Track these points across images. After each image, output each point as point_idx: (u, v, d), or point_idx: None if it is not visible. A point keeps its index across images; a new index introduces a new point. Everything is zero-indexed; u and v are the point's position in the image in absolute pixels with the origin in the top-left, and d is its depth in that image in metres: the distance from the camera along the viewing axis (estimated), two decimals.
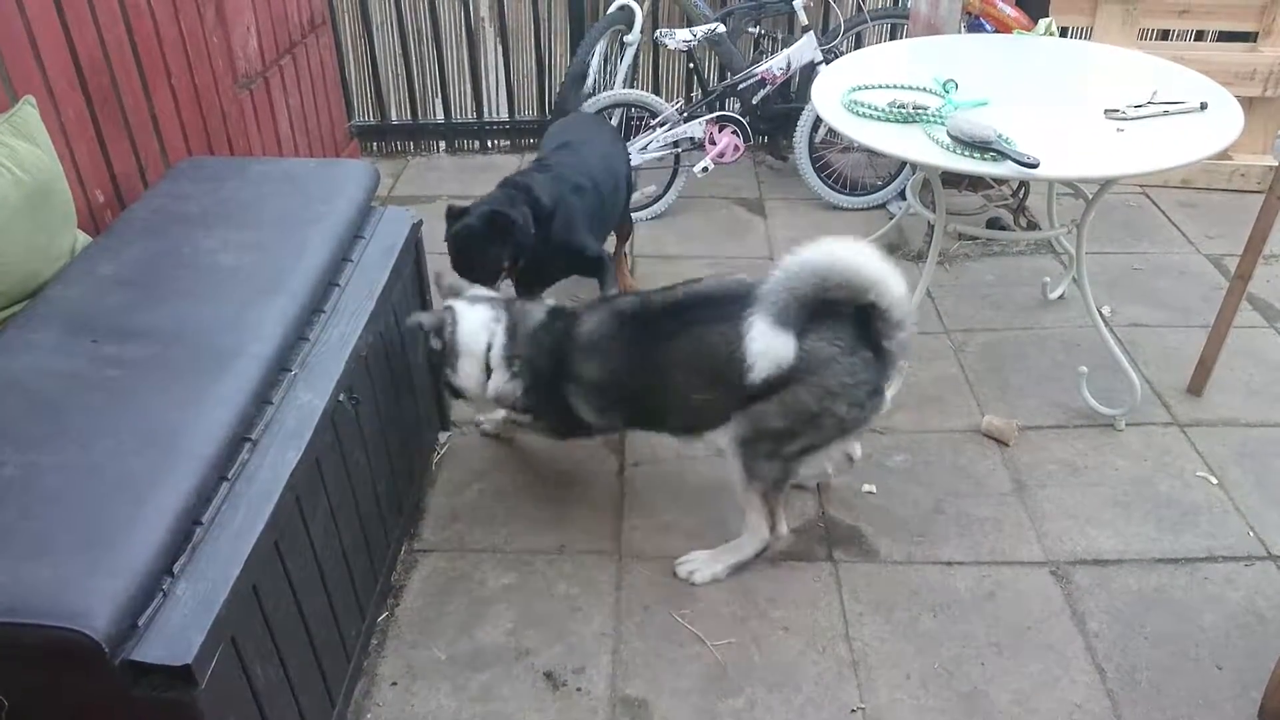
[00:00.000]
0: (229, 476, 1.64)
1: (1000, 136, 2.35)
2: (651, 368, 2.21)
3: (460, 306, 2.35)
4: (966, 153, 2.37)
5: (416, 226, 2.48)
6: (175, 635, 1.37)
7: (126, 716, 1.40)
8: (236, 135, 3.22)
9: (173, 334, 1.84)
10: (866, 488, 2.61)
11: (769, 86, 3.95)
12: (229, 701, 1.48)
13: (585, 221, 2.88)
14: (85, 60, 2.37)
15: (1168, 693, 2.08)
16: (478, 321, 2.33)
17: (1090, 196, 2.76)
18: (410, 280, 2.48)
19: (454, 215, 2.65)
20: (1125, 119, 2.55)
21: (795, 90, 4.13)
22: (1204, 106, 2.58)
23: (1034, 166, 2.30)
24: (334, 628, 1.93)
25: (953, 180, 3.60)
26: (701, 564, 2.35)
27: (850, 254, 1.97)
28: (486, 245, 2.60)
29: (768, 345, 1.97)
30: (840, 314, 2.05)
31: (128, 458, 1.56)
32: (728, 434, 2.20)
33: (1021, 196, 3.71)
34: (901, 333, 2.07)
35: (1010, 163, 2.31)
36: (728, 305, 2.07)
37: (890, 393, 2.58)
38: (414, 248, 2.49)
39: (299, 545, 1.75)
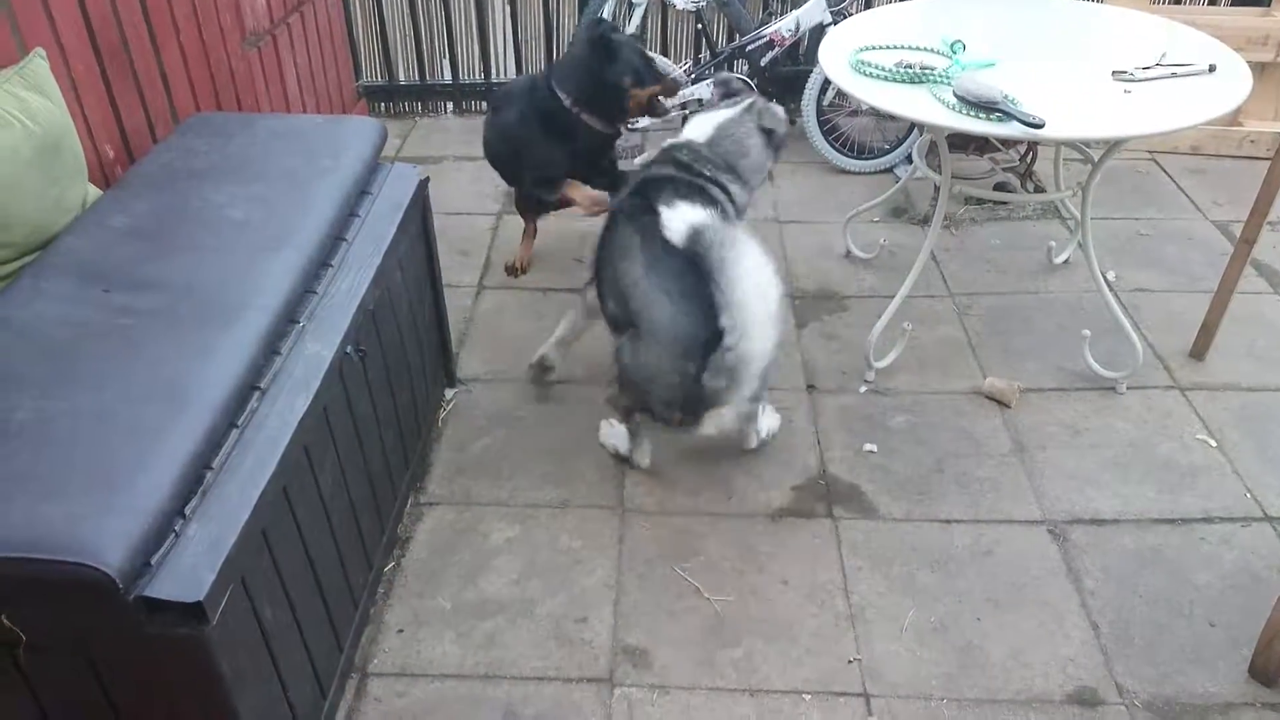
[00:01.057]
0: (238, 424, 1.67)
1: (1006, 97, 2.35)
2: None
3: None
4: (972, 113, 2.36)
5: (424, 183, 2.49)
6: (187, 573, 1.40)
7: (139, 653, 1.44)
8: (244, 93, 3.22)
9: (183, 285, 1.87)
10: (868, 447, 2.64)
11: (777, 49, 3.93)
12: (239, 640, 1.52)
13: None
14: (95, 15, 2.38)
15: (1160, 649, 2.12)
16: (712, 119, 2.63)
17: (1097, 160, 2.76)
18: (417, 236, 2.50)
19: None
20: (1133, 80, 2.54)
21: (804, 53, 4.10)
22: (1212, 69, 2.57)
23: (1039, 127, 2.29)
24: (342, 575, 1.97)
25: (960, 144, 3.59)
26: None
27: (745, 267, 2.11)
28: (604, 61, 2.51)
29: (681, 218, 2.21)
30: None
31: (139, 404, 1.59)
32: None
33: (1029, 161, 3.70)
34: (724, 367, 2.17)
35: (1016, 123, 2.31)
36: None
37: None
38: (421, 204, 2.50)
39: (307, 493, 1.79)
